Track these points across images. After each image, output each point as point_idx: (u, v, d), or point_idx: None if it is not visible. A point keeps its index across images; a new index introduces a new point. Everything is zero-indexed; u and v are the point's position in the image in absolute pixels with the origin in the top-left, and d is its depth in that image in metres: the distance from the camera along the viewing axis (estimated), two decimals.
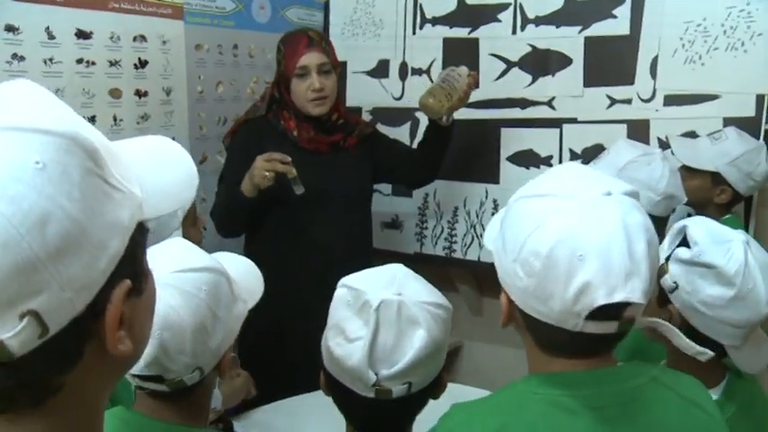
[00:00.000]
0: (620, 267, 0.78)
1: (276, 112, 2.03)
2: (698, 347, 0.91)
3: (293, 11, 2.56)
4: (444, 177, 2.49)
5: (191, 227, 1.67)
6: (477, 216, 2.48)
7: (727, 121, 2.01)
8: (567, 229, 0.79)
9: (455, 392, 1.13)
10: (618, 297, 0.78)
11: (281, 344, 1.98)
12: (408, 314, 0.97)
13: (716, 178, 1.77)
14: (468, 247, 2.51)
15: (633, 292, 0.78)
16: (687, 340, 0.89)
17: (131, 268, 0.54)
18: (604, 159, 1.64)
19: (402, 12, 2.52)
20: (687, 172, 1.78)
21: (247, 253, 2.16)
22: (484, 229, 2.44)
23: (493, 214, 2.42)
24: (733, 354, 1.04)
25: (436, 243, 2.57)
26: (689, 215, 1.74)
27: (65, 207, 0.47)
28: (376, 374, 0.96)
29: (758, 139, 1.93)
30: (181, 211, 1.62)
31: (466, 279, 2.71)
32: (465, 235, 2.51)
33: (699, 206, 1.84)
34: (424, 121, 2.26)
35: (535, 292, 0.82)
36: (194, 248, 1.08)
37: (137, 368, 0.94)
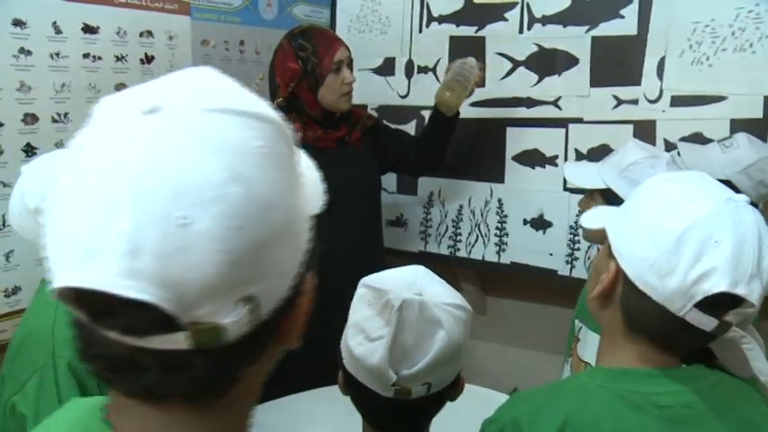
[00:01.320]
0: (749, 266, 0.81)
1: (281, 109, 2.02)
2: None
3: (300, 7, 2.56)
4: (449, 176, 2.50)
5: None
6: (482, 215, 2.48)
7: (735, 123, 2.00)
8: (708, 214, 0.83)
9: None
10: (740, 290, 0.80)
11: None
12: (429, 315, 0.97)
13: (726, 186, 1.75)
14: (473, 246, 2.50)
15: (753, 292, 0.81)
16: (766, 365, 0.90)
17: (311, 261, 0.54)
18: (612, 159, 1.63)
19: (409, 10, 2.52)
20: None
21: None
22: (488, 229, 2.46)
23: (498, 213, 2.44)
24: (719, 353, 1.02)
25: (440, 242, 2.57)
26: None
27: (281, 192, 0.48)
28: (396, 374, 0.96)
29: (766, 140, 1.93)
30: None
31: (469, 278, 2.70)
32: (469, 234, 2.51)
33: None
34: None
35: (655, 264, 0.84)
36: None
37: None
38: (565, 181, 2.30)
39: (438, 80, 2.47)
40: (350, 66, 2.02)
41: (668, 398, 0.88)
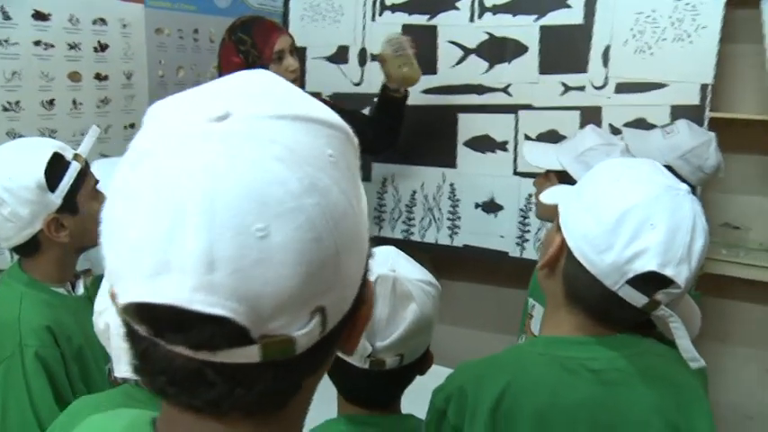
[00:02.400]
0: (679, 250, 0.87)
1: None
2: (696, 354, 0.98)
3: None
4: (402, 162, 2.55)
5: (88, 201, 1.67)
6: (435, 199, 2.54)
7: (675, 109, 2.11)
8: (648, 198, 0.89)
9: None
10: (668, 272, 0.87)
11: None
12: (402, 290, 1.01)
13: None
14: (426, 230, 2.56)
15: (680, 275, 0.88)
16: (689, 344, 0.97)
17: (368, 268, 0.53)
18: (569, 142, 1.70)
19: None
20: None
21: None
22: (441, 213, 2.52)
23: (450, 198, 2.51)
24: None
25: (395, 226, 2.62)
26: None
27: (351, 201, 0.46)
28: (371, 346, 1.01)
29: (702, 125, 2.04)
30: None
31: (422, 261, 2.76)
32: (423, 218, 2.57)
33: None
34: None
35: (595, 240, 0.90)
36: None
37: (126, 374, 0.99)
38: (515, 165, 2.38)
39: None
40: (293, 52, 2.01)
41: (601, 363, 0.95)
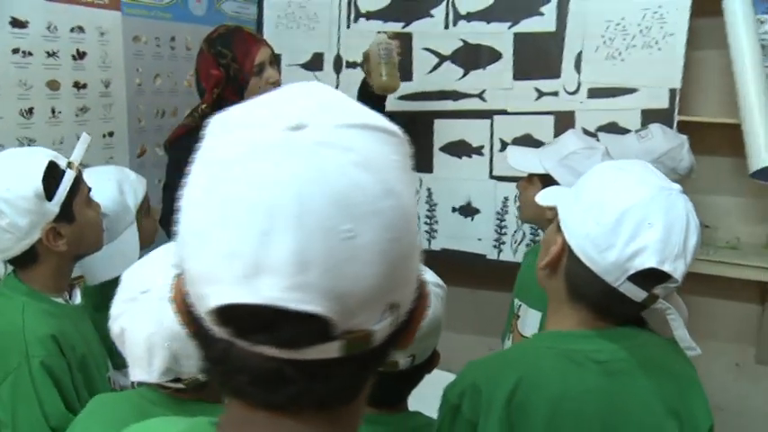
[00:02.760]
0: (676, 247, 0.93)
1: (208, 115, 2.04)
2: (692, 343, 1.05)
3: (228, 4, 2.57)
4: None
5: (145, 218, 1.67)
6: None
7: (645, 113, 2.19)
8: (645, 199, 0.94)
9: None
10: (666, 268, 0.92)
11: None
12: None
13: None
14: None
15: (677, 270, 0.93)
16: (686, 333, 1.04)
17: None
18: (552, 146, 1.75)
19: (336, 6, 2.57)
20: None
21: None
22: (419, 217, 2.56)
23: (427, 202, 2.54)
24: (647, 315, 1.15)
25: None
26: None
27: (414, 202, 0.51)
28: None
29: (671, 128, 2.13)
30: (134, 204, 1.62)
31: None
32: None
33: None
34: None
35: (596, 240, 0.95)
36: None
37: (154, 377, 1.01)
38: (491, 169, 2.43)
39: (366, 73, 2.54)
40: (273, 63, 2.03)
41: (605, 354, 1.00)
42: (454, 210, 2.52)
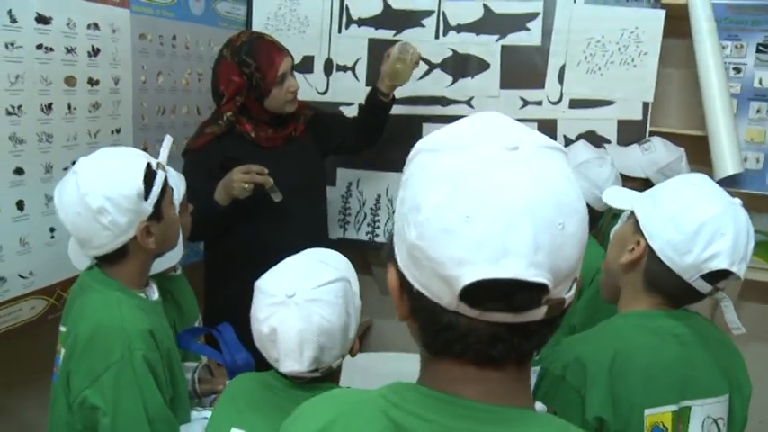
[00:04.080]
0: (741, 251, 1.14)
1: (233, 123, 2.11)
2: (740, 324, 1.30)
3: (221, 4, 2.61)
4: (367, 168, 2.70)
5: (184, 213, 1.73)
6: None
7: (621, 123, 2.42)
8: (718, 213, 1.15)
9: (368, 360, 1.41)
10: (734, 269, 1.14)
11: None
12: None
13: (646, 184, 2.09)
14: (391, 231, 2.72)
15: (741, 270, 1.15)
16: (735, 316, 1.29)
17: None
18: None
19: (328, 11, 2.67)
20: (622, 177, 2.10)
21: (212, 248, 2.23)
22: None
23: None
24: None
25: (359, 228, 2.76)
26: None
27: None
28: None
29: (644, 137, 2.37)
30: (177, 200, 1.68)
31: (380, 261, 2.92)
32: (387, 220, 2.73)
33: None
34: (348, 114, 2.51)
35: (677, 246, 1.15)
36: (319, 261, 1.29)
37: (304, 366, 1.19)
38: None
39: (356, 78, 2.66)
40: (293, 72, 2.13)
41: (679, 329, 1.22)
42: None
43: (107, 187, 1.26)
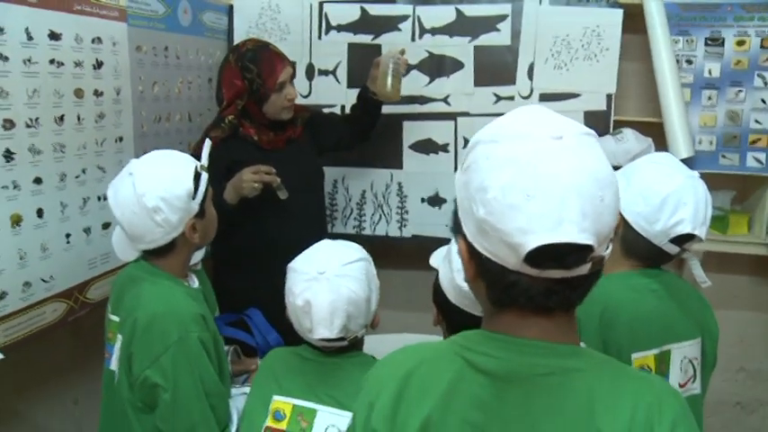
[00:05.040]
0: (703, 215, 1.37)
1: (235, 125, 2.24)
2: (706, 278, 1.55)
3: (207, 15, 2.72)
4: (352, 165, 2.85)
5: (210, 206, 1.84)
6: (384, 197, 2.87)
7: (587, 114, 2.64)
8: (679, 186, 1.37)
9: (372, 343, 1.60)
10: (697, 232, 1.35)
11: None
12: None
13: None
14: (377, 224, 2.89)
15: (702, 233, 1.37)
16: (701, 271, 1.54)
17: None
18: None
19: (308, 19, 2.81)
20: None
21: (219, 244, 2.34)
22: (390, 208, 2.86)
23: (398, 195, 2.85)
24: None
25: (346, 223, 2.91)
26: None
27: None
28: None
29: (609, 127, 2.59)
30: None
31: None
32: (373, 214, 2.89)
33: None
34: None
35: (647, 216, 1.37)
36: (343, 245, 1.48)
37: (334, 333, 1.37)
38: (455, 164, 2.78)
39: (338, 81, 2.81)
40: (292, 81, 2.28)
41: (655, 285, 1.44)
42: (423, 200, 2.84)
43: (162, 188, 1.39)
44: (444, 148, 2.79)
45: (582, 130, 0.81)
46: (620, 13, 2.56)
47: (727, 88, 2.58)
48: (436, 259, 1.55)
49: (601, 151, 0.81)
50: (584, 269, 0.78)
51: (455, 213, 0.88)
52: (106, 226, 2.16)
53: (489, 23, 2.68)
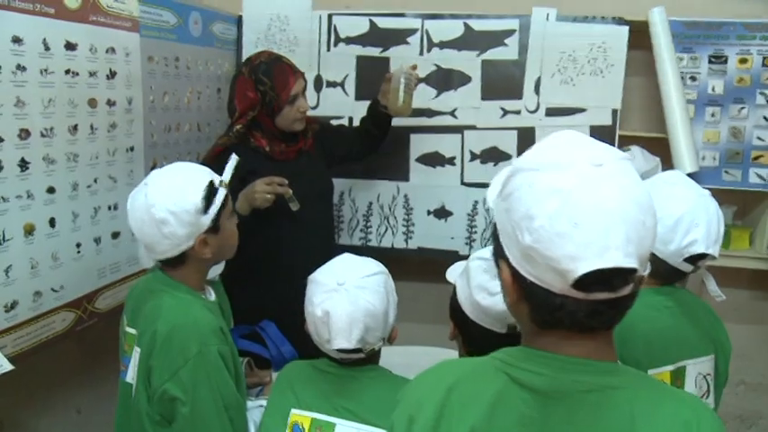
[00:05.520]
0: (714, 237, 1.40)
1: (243, 135, 2.26)
2: (720, 293, 1.56)
3: (217, 26, 2.73)
4: (359, 177, 2.86)
5: (231, 218, 1.84)
6: (390, 209, 2.88)
7: (593, 129, 2.66)
8: (691, 206, 1.41)
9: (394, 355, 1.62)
10: (710, 251, 1.39)
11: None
12: None
13: None
14: (383, 236, 2.90)
15: (716, 251, 1.41)
16: (716, 287, 1.57)
17: None
18: None
19: (317, 31, 2.82)
20: None
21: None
22: (396, 220, 2.88)
23: (404, 207, 2.86)
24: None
25: (352, 234, 2.92)
26: None
27: None
28: None
29: (614, 142, 2.62)
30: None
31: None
32: (379, 226, 2.90)
33: None
34: None
35: (661, 237, 1.38)
36: (362, 259, 1.50)
37: (352, 343, 1.37)
38: (462, 177, 2.80)
39: (346, 93, 2.83)
40: (305, 93, 2.29)
41: (669, 302, 1.47)
42: (429, 213, 2.86)
43: (171, 201, 1.40)
44: (451, 161, 2.81)
45: (619, 156, 0.83)
46: (626, 29, 2.59)
47: (731, 105, 2.62)
48: (453, 274, 1.56)
49: (638, 175, 0.84)
50: (627, 290, 0.81)
51: (495, 238, 0.90)
52: (116, 235, 2.17)
53: (497, 38, 2.70)
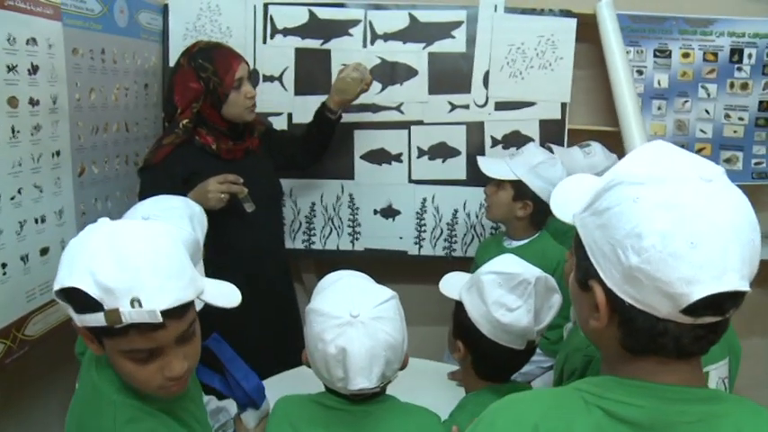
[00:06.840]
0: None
1: (190, 130, 2.06)
2: None
3: (143, 15, 2.49)
4: (300, 176, 2.70)
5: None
6: (335, 209, 2.74)
7: (542, 123, 2.63)
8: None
9: None
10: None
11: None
12: (550, 284, 1.31)
13: None
14: (327, 237, 2.76)
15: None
16: None
17: None
18: (519, 158, 2.07)
19: (251, 21, 2.64)
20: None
21: None
22: (342, 221, 2.74)
23: (350, 207, 2.73)
24: None
25: (295, 237, 2.76)
26: None
27: None
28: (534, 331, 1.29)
29: (563, 136, 2.60)
30: (202, 238, 1.58)
31: (308, 268, 2.94)
32: (323, 227, 2.76)
33: None
34: (277, 124, 2.56)
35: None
36: (366, 281, 1.39)
37: (373, 382, 1.23)
38: (410, 174, 2.70)
39: (284, 88, 2.66)
40: (250, 78, 2.12)
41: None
42: (376, 212, 2.74)
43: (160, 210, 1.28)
44: (397, 157, 2.70)
45: (721, 170, 0.77)
46: (573, 22, 2.57)
47: (675, 98, 2.66)
48: (452, 290, 1.45)
49: (738, 190, 0.78)
50: (731, 312, 0.75)
51: (584, 258, 0.80)
52: (45, 251, 1.92)
53: (444, 30, 2.61)
